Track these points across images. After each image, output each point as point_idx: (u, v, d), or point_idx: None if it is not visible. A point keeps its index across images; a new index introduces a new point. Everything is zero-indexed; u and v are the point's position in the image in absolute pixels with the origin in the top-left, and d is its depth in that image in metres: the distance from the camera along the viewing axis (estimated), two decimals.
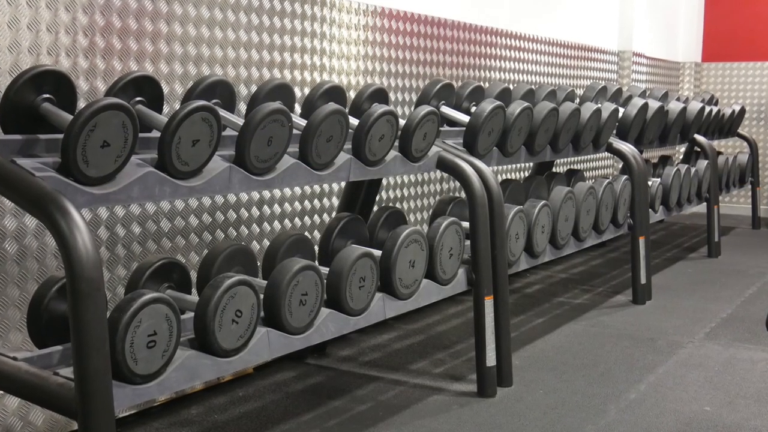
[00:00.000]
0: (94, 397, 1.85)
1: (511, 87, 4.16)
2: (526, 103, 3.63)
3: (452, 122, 3.72)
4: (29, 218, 2.56)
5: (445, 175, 4.71)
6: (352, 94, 3.88)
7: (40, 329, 2.30)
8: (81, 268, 1.82)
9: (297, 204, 3.68)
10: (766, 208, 8.24)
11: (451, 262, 3.12)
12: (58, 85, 2.23)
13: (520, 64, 5.52)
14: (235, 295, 2.26)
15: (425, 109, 3.06)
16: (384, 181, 4.20)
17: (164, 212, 3.03)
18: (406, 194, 4.44)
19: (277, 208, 3.57)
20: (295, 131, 2.60)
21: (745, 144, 7.71)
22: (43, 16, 2.56)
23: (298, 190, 3.68)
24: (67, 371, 1.97)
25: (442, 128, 3.55)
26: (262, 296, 2.42)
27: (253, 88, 3.35)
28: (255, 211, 3.46)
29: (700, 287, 5.12)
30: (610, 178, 4.48)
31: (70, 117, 2.13)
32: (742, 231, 7.38)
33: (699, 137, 5.96)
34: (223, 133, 2.52)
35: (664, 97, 5.78)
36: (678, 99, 6.00)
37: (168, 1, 2.97)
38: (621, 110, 4.85)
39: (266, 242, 3.50)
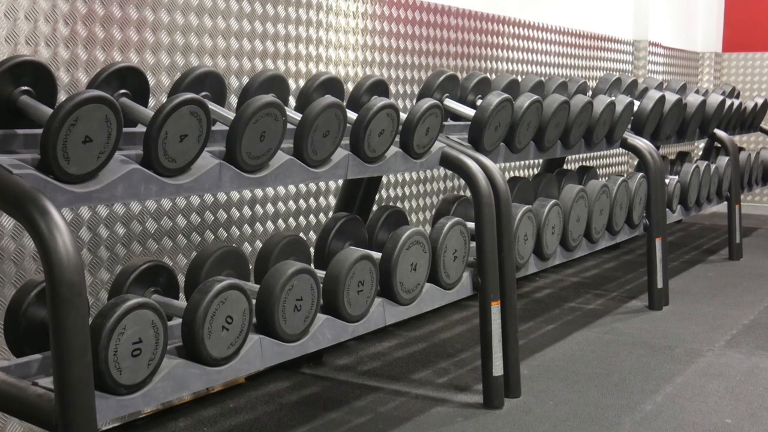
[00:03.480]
0: (76, 408, 1.85)
1: (519, 78, 4.17)
2: (536, 96, 3.63)
3: (457, 116, 3.73)
4: (6, 218, 2.56)
5: (449, 172, 4.71)
6: (350, 87, 3.89)
7: (17, 336, 2.30)
8: (61, 272, 1.82)
9: (291, 203, 3.69)
10: None
11: (455, 265, 3.12)
12: (37, 76, 2.23)
13: (529, 54, 5.53)
14: (226, 300, 2.26)
15: (428, 102, 3.06)
16: (384, 179, 4.20)
17: (150, 212, 3.04)
18: (407, 193, 4.45)
19: (270, 208, 3.57)
20: (289, 126, 2.61)
21: None
22: (21, 4, 2.56)
23: (292, 188, 3.68)
24: (47, 381, 1.97)
25: (445, 122, 3.55)
26: (254, 301, 2.42)
27: (245, 80, 3.36)
28: (247, 211, 3.46)
29: (721, 292, 5.12)
30: (625, 175, 4.49)
31: (49, 111, 2.13)
32: (766, 232, 7.38)
33: (719, 132, 5.96)
34: (213, 128, 2.52)
35: (682, 90, 5.79)
36: (697, 91, 6.00)
37: None
38: (636, 103, 4.86)
39: (259, 244, 3.50)
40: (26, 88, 2.21)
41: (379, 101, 2.85)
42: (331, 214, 3.76)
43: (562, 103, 3.80)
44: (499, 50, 5.18)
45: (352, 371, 3.65)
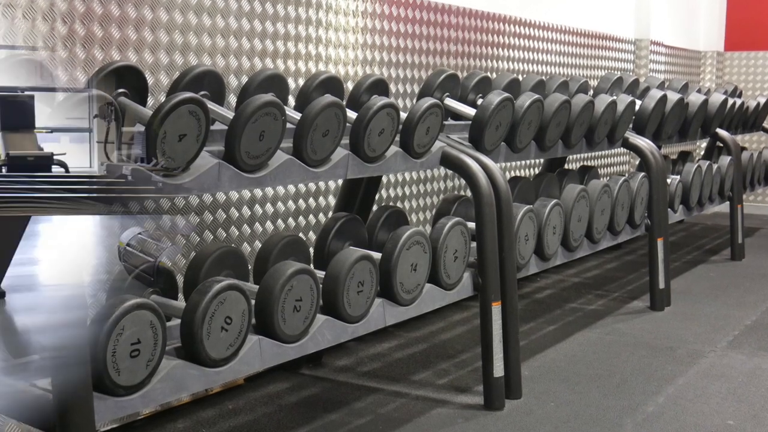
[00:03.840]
0: (74, 409, 1.85)
1: (520, 78, 4.17)
2: (537, 95, 3.63)
3: (457, 116, 3.72)
4: None
5: (450, 172, 4.71)
6: (349, 86, 3.89)
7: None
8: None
9: (291, 203, 3.68)
10: None
11: (455, 266, 3.12)
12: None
13: (530, 53, 5.52)
14: (225, 301, 2.26)
15: (428, 101, 3.06)
16: (384, 179, 4.20)
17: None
18: (407, 193, 4.44)
19: (269, 208, 3.57)
20: (288, 125, 2.60)
21: None
22: (19, 2, 2.56)
23: (291, 188, 3.68)
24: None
25: (446, 122, 3.55)
26: (253, 302, 2.42)
27: (244, 79, 3.35)
28: (246, 211, 3.46)
29: (723, 292, 5.12)
30: (627, 175, 4.49)
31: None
32: None
33: (721, 132, 5.96)
34: (212, 128, 2.52)
35: (684, 89, 5.79)
36: (699, 91, 6.00)
37: None
38: (638, 103, 4.86)
39: (258, 244, 3.50)
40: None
41: (379, 100, 2.84)
42: (330, 214, 3.76)
43: (563, 103, 3.80)
44: (500, 49, 5.18)
45: (351, 372, 3.64)
